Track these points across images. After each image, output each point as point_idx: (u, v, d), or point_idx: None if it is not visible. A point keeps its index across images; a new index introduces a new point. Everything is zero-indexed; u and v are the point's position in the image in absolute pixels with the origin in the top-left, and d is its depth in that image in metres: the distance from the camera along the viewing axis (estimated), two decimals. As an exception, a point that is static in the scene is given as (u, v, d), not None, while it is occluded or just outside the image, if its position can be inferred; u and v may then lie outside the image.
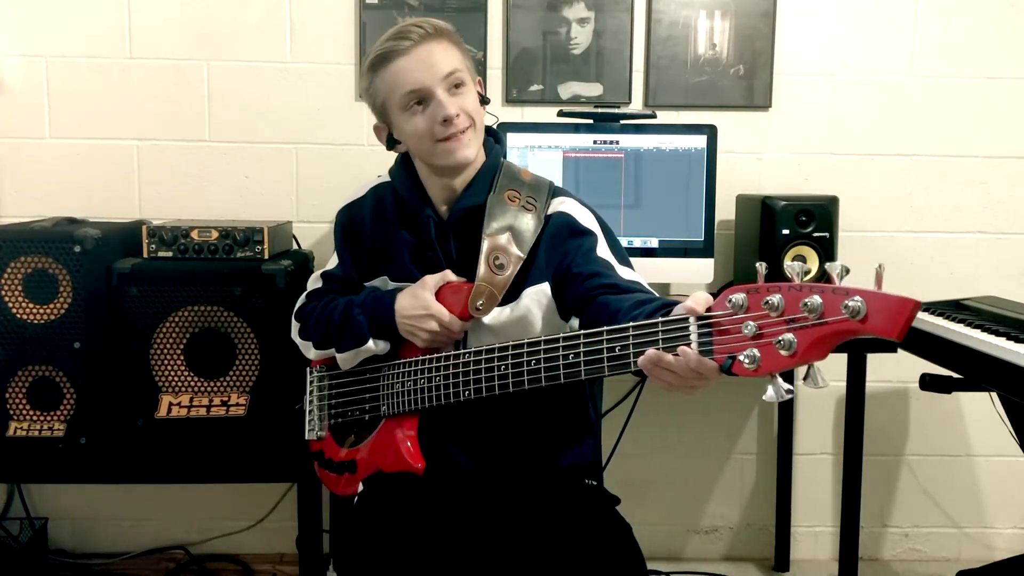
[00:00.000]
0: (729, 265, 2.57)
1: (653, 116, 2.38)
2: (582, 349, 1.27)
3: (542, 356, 1.32)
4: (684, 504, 2.75)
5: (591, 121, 2.36)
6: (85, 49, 2.52)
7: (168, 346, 2.11)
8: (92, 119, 2.55)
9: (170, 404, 2.11)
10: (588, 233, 1.52)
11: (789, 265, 1.07)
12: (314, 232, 2.60)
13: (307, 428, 1.68)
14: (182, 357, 2.12)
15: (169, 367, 2.11)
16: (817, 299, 1.00)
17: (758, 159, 2.62)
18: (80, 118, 2.55)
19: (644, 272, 2.32)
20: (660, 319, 1.17)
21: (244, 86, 2.55)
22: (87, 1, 2.51)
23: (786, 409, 2.66)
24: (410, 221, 1.60)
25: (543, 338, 1.34)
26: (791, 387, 1.07)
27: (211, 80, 2.55)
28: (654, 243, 2.36)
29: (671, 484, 2.73)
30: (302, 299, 1.73)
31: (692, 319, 1.13)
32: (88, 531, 2.66)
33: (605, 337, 1.24)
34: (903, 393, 2.72)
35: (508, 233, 1.49)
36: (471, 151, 1.51)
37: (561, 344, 1.30)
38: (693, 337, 1.12)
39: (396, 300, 1.52)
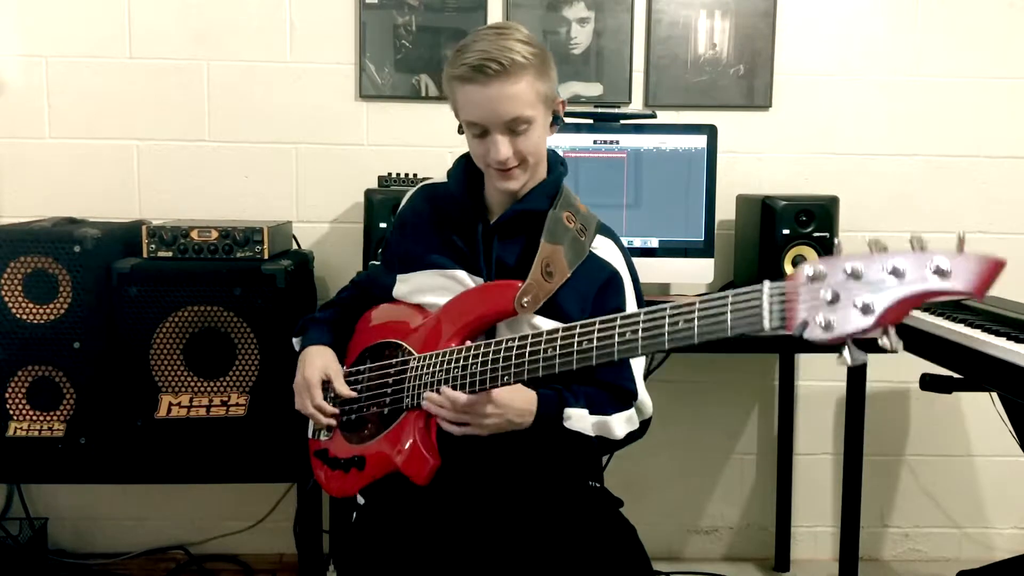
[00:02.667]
0: (729, 265, 2.57)
1: (653, 116, 2.38)
2: (641, 326, 1.25)
3: (595, 336, 1.30)
4: (684, 504, 2.75)
5: (591, 121, 2.36)
6: (85, 49, 2.52)
7: (168, 346, 2.11)
8: (92, 119, 2.55)
9: (170, 404, 2.11)
10: (622, 308, 1.55)
11: (871, 240, 1.06)
12: (314, 232, 2.60)
13: (312, 427, 1.67)
14: (182, 357, 2.12)
15: (169, 367, 2.11)
16: (900, 261, 1.00)
17: (758, 159, 2.62)
18: (80, 118, 2.55)
19: (644, 272, 2.33)
20: (731, 291, 1.17)
21: (244, 86, 2.55)
22: (87, 1, 2.51)
23: (786, 409, 2.66)
24: (460, 216, 1.62)
25: (597, 319, 1.32)
26: (864, 355, 1.06)
27: (211, 80, 2.55)
28: (654, 243, 2.35)
29: (671, 484, 2.73)
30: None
31: (765, 285, 1.12)
32: (88, 531, 2.66)
33: (668, 312, 1.23)
34: (903, 393, 2.72)
35: (562, 248, 1.52)
36: (518, 184, 1.54)
37: (618, 323, 1.28)
38: (765, 303, 1.11)
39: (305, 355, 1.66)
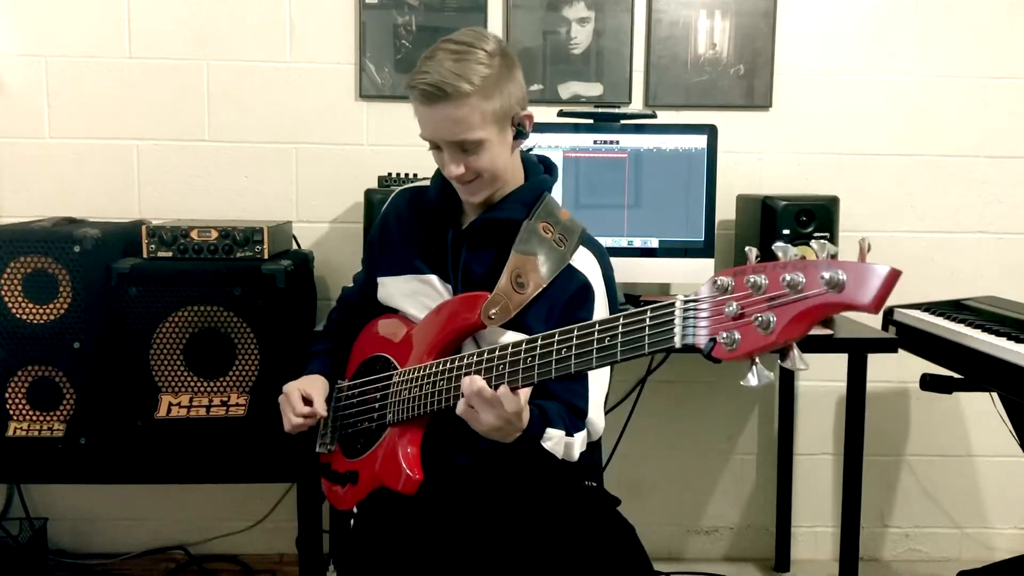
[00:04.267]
0: (729, 265, 2.56)
1: (653, 116, 2.38)
2: (575, 343, 1.27)
3: (538, 352, 1.31)
4: (684, 504, 2.75)
5: (591, 121, 2.36)
6: (85, 49, 2.52)
7: (168, 346, 2.11)
8: (92, 119, 2.55)
9: (170, 404, 2.11)
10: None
11: (779, 246, 1.02)
12: (314, 232, 2.59)
13: (318, 441, 1.68)
14: (182, 357, 2.12)
15: (169, 367, 2.11)
16: (798, 275, 0.98)
17: (758, 159, 2.62)
18: (80, 118, 2.54)
19: (644, 272, 2.35)
20: (650, 306, 1.18)
21: (244, 86, 2.55)
22: (87, 1, 2.51)
23: (786, 409, 2.66)
24: (435, 222, 1.62)
25: (540, 335, 1.33)
26: (769, 373, 1.04)
27: (211, 80, 2.55)
28: (654, 243, 2.35)
29: (671, 484, 2.73)
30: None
31: (678, 302, 1.13)
32: (88, 531, 2.66)
33: (596, 329, 1.25)
34: (903, 393, 2.72)
35: (536, 258, 1.51)
36: (479, 197, 1.54)
37: (556, 340, 1.30)
38: (677, 320, 1.12)
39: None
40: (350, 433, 1.63)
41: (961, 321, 2.03)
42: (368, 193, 2.27)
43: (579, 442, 1.48)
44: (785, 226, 2.26)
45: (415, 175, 2.37)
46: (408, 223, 1.66)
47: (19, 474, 2.32)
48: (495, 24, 2.53)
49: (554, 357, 1.29)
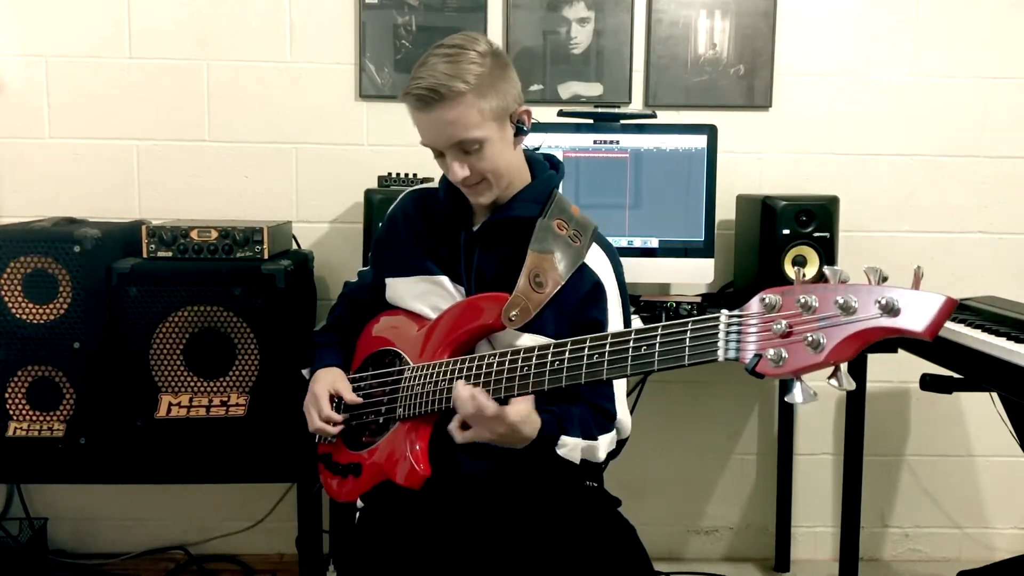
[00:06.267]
0: (729, 265, 2.57)
1: (653, 116, 2.38)
2: (608, 349, 1.26)
3: (567, 356, 1.31)
4: (684, 504, 2.75)
5: (591, 121, 2.36)
6: (85, 49, 2.52)
7: (168, 346, 2.11)
8: (92, 119, 2.55)
9: (170, 404, 2.11)
10: (604, 325, 1.52)
11: (831, 270, 1.04)
12: (314, 232, 2.59)
13: None
14: (182, 357, 2.12)
15: (169, 367, 2.11)
16: (852, 297, 0.99)
17: (758, 159, 2.62)
18: (80, 118, 2.55)
19: (644, 272, 2.35)
20: (691, 318, 1.18)
21: (244, 86, 2.55)
22: (87, 1, 2.51)
23: (786, 409, 2.66)
24: (444, 224, 1.62)
25: (569, 339, 1.33)
26: (814, 392, 1.05)
27: (211, 80, 2.55)
28: (654, 243, 2.35)
29: (671, 484, 2.73)
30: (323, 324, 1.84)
31: (723, 316, 1.13)
32: (88, 531, 2.66)
33: (632, 337, 1.24)
34: (903, 393, 2.72)
35: (553, 256, 1.50)
36: (487, 199, 1.53)
37: (588, 344, 1.29)
38: (721, 334, 1.12)
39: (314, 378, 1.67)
40: (354, 425, 1.63)
41: (961, 321, 2.03)
42: (368, 193, 2.27)
43: (605, 443, 1.48)
44: (785, 226, 2.26)
45: (415, 175, 2.37)
46: (417, 224, 1.65)
47: (19, 474, 2.32)
48: (495, 24, 2.53)
49: (584, 363, 1.29)
